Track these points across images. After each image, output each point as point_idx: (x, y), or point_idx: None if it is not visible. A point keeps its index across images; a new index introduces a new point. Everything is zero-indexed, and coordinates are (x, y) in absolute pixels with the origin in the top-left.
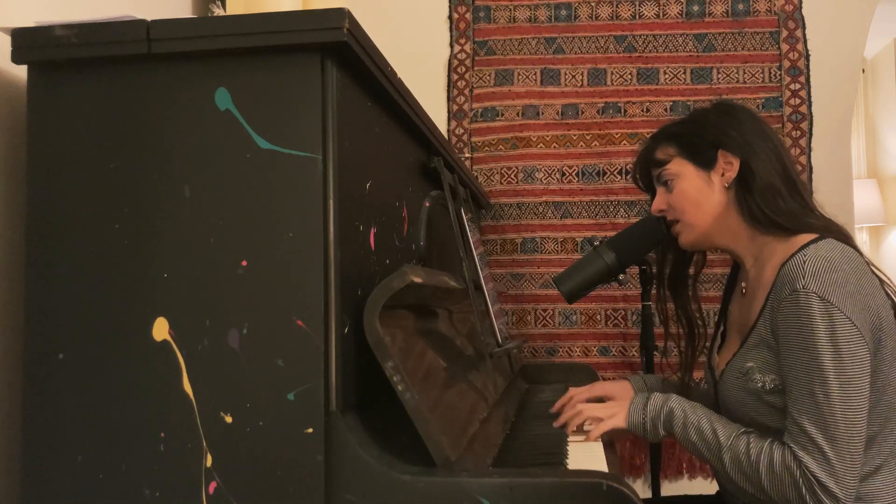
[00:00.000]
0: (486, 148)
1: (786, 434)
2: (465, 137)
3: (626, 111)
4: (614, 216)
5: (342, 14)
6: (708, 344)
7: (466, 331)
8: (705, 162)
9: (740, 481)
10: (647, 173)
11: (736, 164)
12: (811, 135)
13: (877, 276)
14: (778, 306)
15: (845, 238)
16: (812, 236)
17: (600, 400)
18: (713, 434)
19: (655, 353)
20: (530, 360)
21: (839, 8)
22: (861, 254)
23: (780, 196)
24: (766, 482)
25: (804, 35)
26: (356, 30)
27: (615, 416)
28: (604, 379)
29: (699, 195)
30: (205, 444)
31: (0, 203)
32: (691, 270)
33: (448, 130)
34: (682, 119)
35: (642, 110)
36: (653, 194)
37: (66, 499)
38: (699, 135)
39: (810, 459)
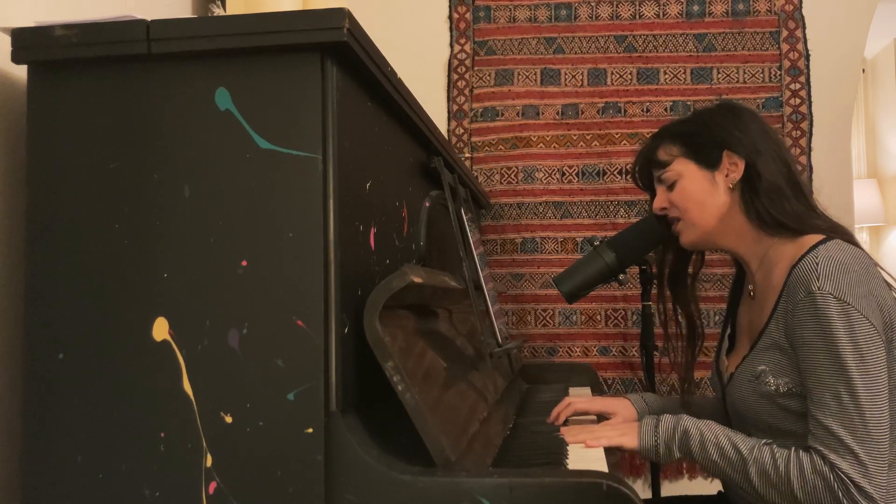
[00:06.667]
0: (486, 148)
1: (811, 438)
2: (465, 137)
3: (626, 111)
4: (614, 216)
5: (342, 14)
6: (710, 344)
7: (466, 331)
8: (710, 162)
9: (769, 494)
10: (648, 173)
11: (741, 165)
12: (811, 135)
13: (886, 281)
14: (793, 309)
15: (851, 239)
16: (819, 237)
17: (599, 416)
18: (734, 449)
19: (655, 353)
20: (530, 360)
21: (839, 8)
22: (868, 255)
23: (785, 198)
24: (799, 491)
25: (804, 35)
26: (356, 30)
27: (624, 434)
28: (604, 379)
29: (703, 194)
30: (205, 444)
31: (0, 203)
32: (691, 270)
33: (448, 130)
34: (685, 119)
35: (642, 110)
36: (653, 194)
37: (66, 499)
38: (704, 135)
39: (842, 461)
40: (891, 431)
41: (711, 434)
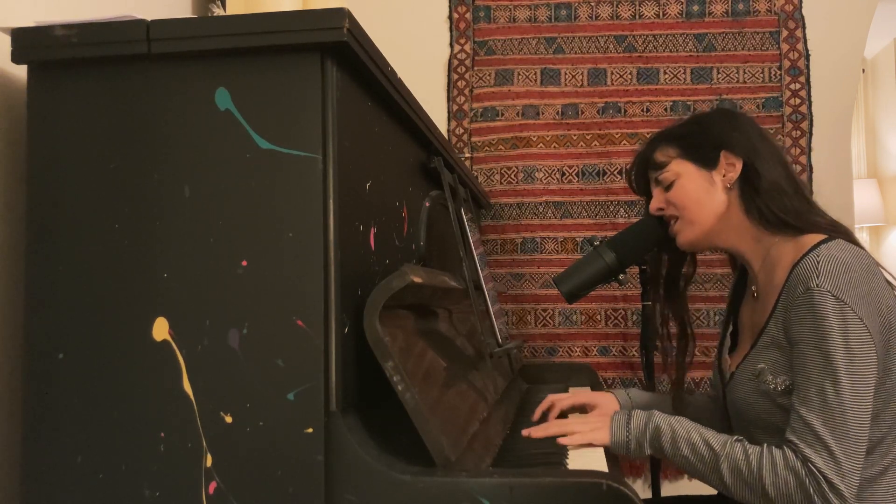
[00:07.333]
0: (486, 148)
1: (789, 430)
2: (465, 137)
3: (626, 111)
4: (614, 216)
5: (342, 14)
6: (711, 344)
7: (466, 331)
8: (707, 162)
9: (739, 491)
10: (644, 176)
11: (738, 165)
12: (811, 135)
13: (888, 281)
14: (791, 305)
15: (852, 238)
16: (821, 237)
17: (583, 409)
18: (706, 445)
19: (655, 353)
20: (530, 360)
21: (839, 8)
22: (870, 255)
23: (785, 195)
24: (770, 487)
25: (804, 35)
26: (356, 30)
27: (597, 430)
28: (603, 379)
29: (700, 192)
30: (205, 444)
31: (0, 203)
32: (685, 271)
33: (448, 130)
34: (682, 121)
35: (642, 110)
36: (649, 198)
37: (66, 499)
38: (701, 136)
39: (817, 457)
40: (889, 433)
41: (683, 430)
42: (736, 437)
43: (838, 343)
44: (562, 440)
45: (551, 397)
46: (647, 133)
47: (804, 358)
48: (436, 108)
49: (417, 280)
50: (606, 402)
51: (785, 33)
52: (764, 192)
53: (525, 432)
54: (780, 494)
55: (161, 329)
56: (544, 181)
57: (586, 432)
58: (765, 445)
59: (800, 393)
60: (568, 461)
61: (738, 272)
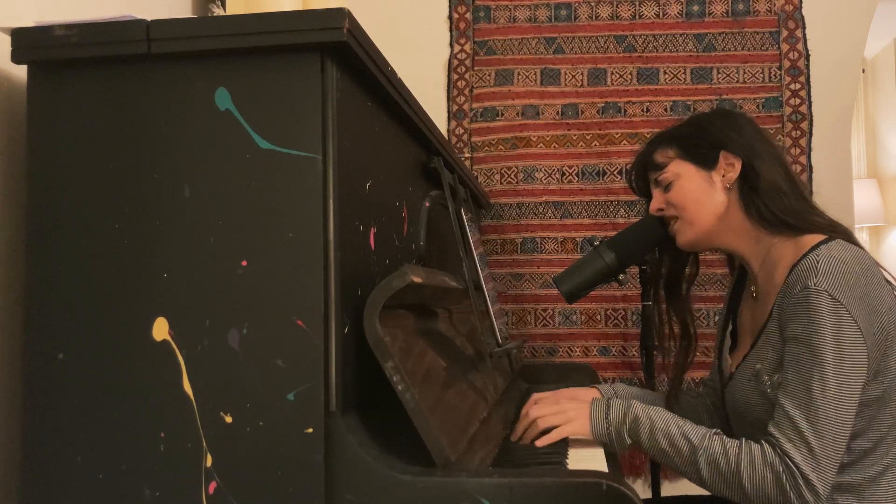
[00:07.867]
0: (486, 148)
1: (771, 423)
2: (465, 137)
3: (626, 111)
4: (614, 216)
5: (342, 14)
6: (708, 344)
7: (466, 331)
8: (706, 162)
9: (716, 484)
10: (644, 177)
11: (738, 165)
12: (811, 135)
13: (887, 280)
14: (788, 304)
15: (851, 238)
16: (821, 237)
17: None
18: (684, 438)
19: (655, 353)
20: (530, 360)
21: (839, 8)
22: (870, 255)
23: (784, 195)
24: (747, 482)
25: (804, 35)
26: (356, 30)
27: (572, 421)
28: (604, 379)
29: (700, 193)
30: (205, 444)
31: (0, 203)
32: (687, 272)
33: (448, 130)
34: (682, 122)
35: (642, 110)
36: (649, 199)
37: (66, 499)
38: (700, 136)
39: (796, 452)
40: (890, 432)
41: (661, 422)
42: (714, 431)
43: (830, 342)
44: (539, 442)
45: (535, 396)
46: (647, 133)
47: (795, 354)
48: (436, 108)
49: (417, 280)
50: (588, 397)
51: (785, 33)
52: (763, 193)
53: (513, 438)
54: (756, 489)
55: (161, 329)
56: (544, 181)
57: (564, 425)
58: (743, 440)
59: (787, 387)
60: (568, 461)
61: (736, 272)
